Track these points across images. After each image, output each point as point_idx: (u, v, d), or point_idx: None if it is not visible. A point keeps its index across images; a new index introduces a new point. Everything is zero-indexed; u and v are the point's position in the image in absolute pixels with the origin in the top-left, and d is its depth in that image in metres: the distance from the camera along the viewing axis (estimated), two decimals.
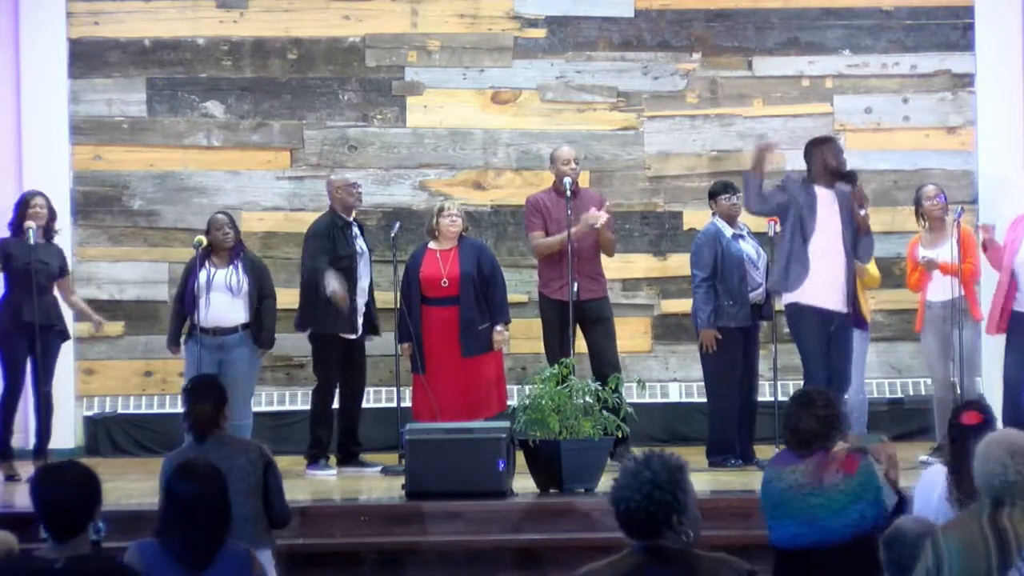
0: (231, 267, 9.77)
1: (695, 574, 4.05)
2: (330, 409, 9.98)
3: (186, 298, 9.78)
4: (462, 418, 9.45)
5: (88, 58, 11.45)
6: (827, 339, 8.83)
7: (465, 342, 9.82)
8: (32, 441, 10.17)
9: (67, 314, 10.23)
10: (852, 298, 8.97)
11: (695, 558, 4.08)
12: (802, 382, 9.25)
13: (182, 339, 9.88)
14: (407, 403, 10.02)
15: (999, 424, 9.05)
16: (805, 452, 6.06)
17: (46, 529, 4.53)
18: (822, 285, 8.79)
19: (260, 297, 9.87)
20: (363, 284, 10.02)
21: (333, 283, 9.63)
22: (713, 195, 10.10)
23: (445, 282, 9.88)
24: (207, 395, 6.61)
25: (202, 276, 9.71)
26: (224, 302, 9.67)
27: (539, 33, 11.60)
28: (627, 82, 11.58)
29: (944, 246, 9.78)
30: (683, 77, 11.61)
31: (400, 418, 9.68)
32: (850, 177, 8.85)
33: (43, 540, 4.58)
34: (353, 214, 10.10)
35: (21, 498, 9.16)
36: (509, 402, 9.87)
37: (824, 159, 8.89)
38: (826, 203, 8.84)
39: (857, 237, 8.87)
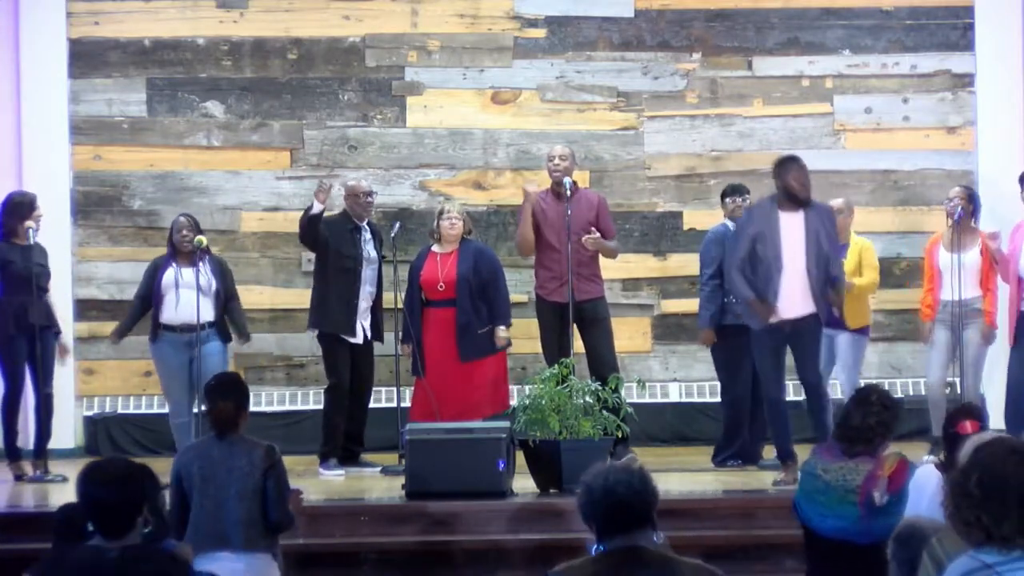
0: (197, 266, 9.76)
1: None
2: (340, 410, 9.97)
3: (153, 296, 9.79)
4: (459, 419, 9.44)
5: (88, 58, 11.45)
6: (781, 345, 8.90)
7: (462, 347, 9.82)
8: (32, 441, 10.17)
9: (67, 315, 10.24)
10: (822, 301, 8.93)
11: (675, 563, 4.04)
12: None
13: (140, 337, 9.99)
14: (407, 403, 10.02)
15: (1000, 424, 9.12)
16: (849, 450, 6.05)
17: (94, 526, 4.52)
18: (772, 299, 8.84)
19: (226, 298, 9.89)
20: (367, 290, 10.01)
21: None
22: (722, 197, 10.14)
23: (441, 286, 9.89)
24: (230, 393, 6.56)
25: (169, 275, 9.76)
26: (192, 299, 9.65)
27: (539, 33, 11.60)
28: (627, 82, 11.58)
29: (969, 251, 9.67)
30: (683, 77, 11.61)
31: (400, 418, 9.67)
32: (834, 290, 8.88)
33: (89, 535, 4.56)
34: (364, 220, 10.10)
35: (29, 498, 9.19)
36: (509, 402, 9.86)
37: (786, 182, 8.86)
38: (790, 227, 8.84)
39: (829, 259, 8.89)
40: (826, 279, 8.83)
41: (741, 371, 9.77)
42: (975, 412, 5.82)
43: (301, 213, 10.22)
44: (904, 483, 5.98)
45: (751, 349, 9.40)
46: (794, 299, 8.82)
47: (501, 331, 9.90)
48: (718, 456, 9.88)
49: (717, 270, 9.81)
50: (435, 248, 10.04)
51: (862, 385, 7.07)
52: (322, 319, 9.98)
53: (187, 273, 9.73)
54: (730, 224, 9.95)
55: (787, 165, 8.92)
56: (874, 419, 6.09)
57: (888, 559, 4.93)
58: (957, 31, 11.61)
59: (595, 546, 4.10)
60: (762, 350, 8.93)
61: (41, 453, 9.82)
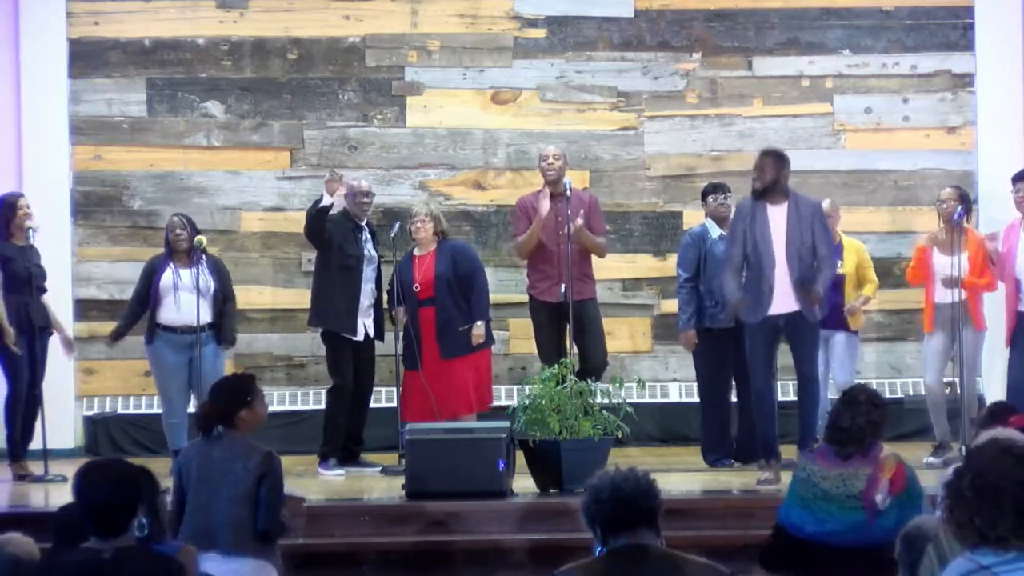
0: (195, 267, 9.75)
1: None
2: (342, 411, 9.97)
3: (151, 298, 9.76)
4: (436, 418, 9.46)
5: (88, 58, 11.45)
6: (774, 340, 8.90)
7: (444, 344, 9.84)
8: (35, 442, 10.15)
9: (67, 315, 10.25)
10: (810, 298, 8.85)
11: (682, 560, 4.04)
12: (795, 383, 9.24)
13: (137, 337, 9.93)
14: None
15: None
16: (841, 452, 6.05)
17: (89, 525, 4.53)
18: (767, 293, 8.81)
19: (224, 299, 9.88)
20: (368, 288, 10.01)
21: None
22: (703, 195, 10.12)
23: (417, 287, 9.90)
24: (226, 394, 6.55)
25: (168, 276, 9.73)
26: (192, 301, 9.63)
27: (539, 33, 11.60)
28: (627, 82, 11.58)
29: (962, 253, 9.65)
30: (683, 77, 11.61)
31: (400, 418, 9.67)
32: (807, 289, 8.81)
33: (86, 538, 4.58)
34: (363, 220, 10.11)
35: (29, 498, 9.19)
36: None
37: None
38: (775, 220, 8.84)
39: (815, 252, 8.88)
40: (804, 273, 8.78)
41: (720, 374, 9.77)
42: (1014, 409, 5.83)
43: (302, 213, 10.23)
44: (904, 484, 5.99)
45: (730, 352, 9.39)
46: (785, 293, 8.80)
47: (477, 327, 9.88)
48: (709, 456, 9.88)
49: (694, 273, 9.79)
50: (415, 251, 10.06)
51: (853, 384, 7.07)
52: (324, 317, 9.99)
53: (185, 275, 9.71)
54: (709, 224, 9.93)
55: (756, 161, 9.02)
56: (863, 419, 6.09)
57: (895, 559, 4.92)
58: (957, 31, 11.61)
59: (598, 548, 4.10)
60: (755, 343, 8.89)
61: (19, 454, 9.76)
